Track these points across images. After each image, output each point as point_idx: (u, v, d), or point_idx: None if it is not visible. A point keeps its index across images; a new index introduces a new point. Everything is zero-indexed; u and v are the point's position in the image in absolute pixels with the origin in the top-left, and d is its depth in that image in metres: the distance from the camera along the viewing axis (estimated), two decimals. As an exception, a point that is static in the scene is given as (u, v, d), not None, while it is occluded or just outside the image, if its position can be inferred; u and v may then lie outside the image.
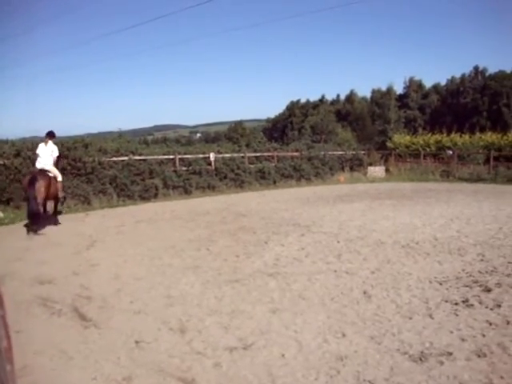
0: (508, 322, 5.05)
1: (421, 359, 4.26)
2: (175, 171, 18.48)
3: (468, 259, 7.64)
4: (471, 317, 5.22)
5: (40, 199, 11.06)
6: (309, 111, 62.59)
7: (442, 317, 5.24)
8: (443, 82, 69.62)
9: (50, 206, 12.35)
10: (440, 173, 24.07)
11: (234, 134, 64.27)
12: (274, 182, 21.02)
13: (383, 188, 19.89)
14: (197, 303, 5.88)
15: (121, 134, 28.36)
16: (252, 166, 21.03)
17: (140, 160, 17.70)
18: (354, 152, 26.12)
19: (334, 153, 25.08)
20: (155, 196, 17.08)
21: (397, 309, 5.51)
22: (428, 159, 26.12)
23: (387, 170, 25.11)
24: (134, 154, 17.83)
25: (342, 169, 24.51)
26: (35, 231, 10.69)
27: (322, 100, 71.87)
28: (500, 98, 54.23)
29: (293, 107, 65.58)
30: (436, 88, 69.28)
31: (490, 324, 5.01)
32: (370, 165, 25.43)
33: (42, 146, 11.75)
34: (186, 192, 18.13)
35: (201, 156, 19.69)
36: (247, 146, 24.60)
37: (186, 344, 4.70)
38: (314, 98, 72.72)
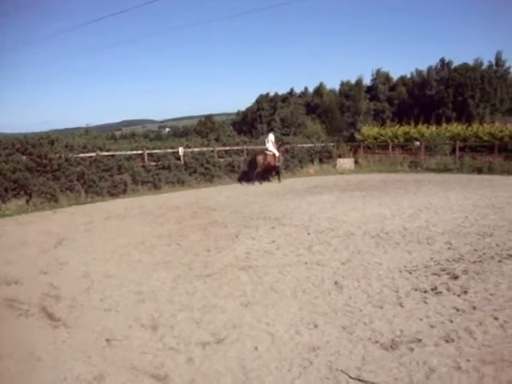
0: (474, 308, 5.18)
1: (392, 347, 4.34)
2: (144, 166, 18.25)
3: (436, 248, 7.79)
4: (440, 304, 5.34)
5: None
6: (278, 104, 62.56)
7: (412, 305, 5.34)
8: (409, 75, 70.84)
9: None
10: (408, 164, 24.39)
11: (204, 128, 63.92)
12: (244, 176, 21.04)
13: (353, 180, 20.08)
14: (168, 299, 5.85)
15: (88, 130, 27.94)
16: (222, 159, 20.92)
17: (108, 156, 17.40)
18: (323, 144, 26.21)
19: (304, 145, 25.14)
20: (124, 192, 16.86)
21: (368, 298, 5.59)
22: (396, 150, 26.42)
23: (356, 162, 25.31)
24: (101, 149, 17.52)
25: (312, 161, 24.59)
26: None
27: (290, 93, 71.97)
28: (465, 89, 55.31)
29: (262, 100, 65.42)
30: (403, 80, 70.20)
31: (458, 310, 5.14)
32: (340, 157, 25.60)
33: None
34: (156, 187, 17.96)
35: (170, 151, 19.48)
36: (216, 139, 24.42)
37: (159, 340, 4.68)
38: (282, 90, 72.89)
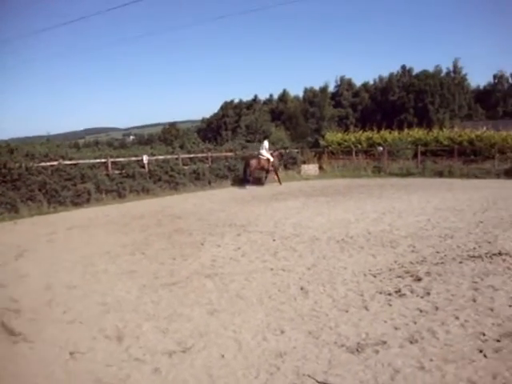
0: (437, 308, 5.31)
1: (357, 350, 4.40)
2: (108, 175, 17.98)
3: (400, 251, 7.94)
4: (404, 306, 5.45)
5: None
6: (242, 111, 63.06)
7: (377, 308, 5.43)
8: (372, 81, 72.19)
9: None
10: (372, 169, 24.74)
11: (168, 135, 63.65)
12: (209, 183, 20.88)
13: (317, 185, 20.24)
14: (133, 308, 5.78)
15: (49, 138, 27.37)
16: (186, 167, 20.80)
17: (71, 164, 17.07)
18: (287, 151, 26.37)
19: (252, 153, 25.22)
20: (88, 201, 16.57)
21: (333, 303, 5.65)
22: (360, 156, 26.77)
23: (321, 168, 25.50)
24: (64, 158, 17.17)
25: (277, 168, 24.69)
26: None
27: (255, 100, 72.57)
28: (425, 95, 56.67)
29: (227, 107, 65.82)
30: (366, 86, 71.54)
31: (421, 311, 5.26)
32: (304, 163, 25.72)
33: None
34: (120, 196, 17.71)
35: (134, 159, 19.28)
36: (181, 147, 24.27)
37: (124, 351, 4.62)
38: (247, 97, 73.35)
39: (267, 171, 21.39)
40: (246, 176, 20.78)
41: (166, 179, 19.66)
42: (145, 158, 19.33)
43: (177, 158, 20.86)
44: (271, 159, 21.19)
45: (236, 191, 19.08)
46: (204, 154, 22.46)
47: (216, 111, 67.99)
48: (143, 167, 19.31)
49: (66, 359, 4.51)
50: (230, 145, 26.04)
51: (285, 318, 5.24)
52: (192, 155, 22.11)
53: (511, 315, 5.03)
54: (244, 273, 7.06)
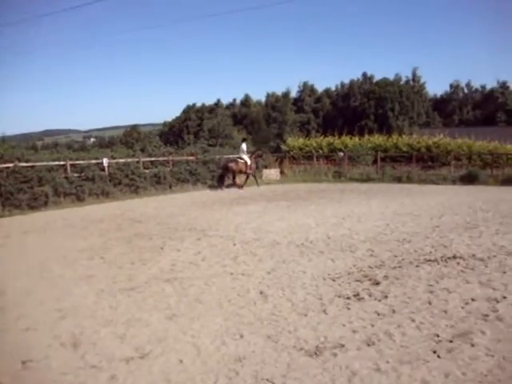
0: (394, 311, 5.41)
1: (316, 353, 4.43)
2: (66, 178, 17.63)
3: (359, 255, 8.06)
4: (362, 309, 5.53)
5: None
6: (205, 115, 62.84)
7: (336, 311, 5.49)
8: (334, 87, 73.22)
9: None
10: (332, 174, 25.07)
11: (130, 138, 63.02)
12: (170, 187, 20.75)
13: (278, 190, 20.37)
14: (90, 314, 5.67)
15: (4, 139, 26.67)
16: (147, 170, 20.62)
17: (27, 167, 16.66)
18: (249, 155, 26.44)
19: (230, 156, 25.25)
20: (45, 204, 16.20)
21: (292, 307, 5.68)
22: (321, 161, 27.13)
23: (282, 172, 25.68)
24: (20, 160, 16.77)
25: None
26: None
27: (217, 104, 72.50)
28: (385, 102, 57.84)
29: (189, 111, 65.46)
30: (328, 92, 72.51)
31: (378, 314, 5.35)
32: (266, 167, 25.87)
33: None
34: (79, 199, 17.38)
35: (93, 162, 18.98)
36: (142, 150, 24.05)
37: (80, 358, 4.52)
38: (210, 101, 73.19)
39: (246, 174, 21.84)
40: (222, 179, 21.31)
41: (127, 182, 19.44)
42: (105, 161, 19.06)
43: (138, 162, 20.66)
44: (249, 162, 21.53)
45: (196, 195, 18.97)
46: (165, 158, 22.33)
47: (178, 115, 67.49)
48: (103, 170, 19.03)
49: (18, 369, 4.37)
50: (192, 148, 25.93)
51: (244, 323, 5.24)
52: (153, 158, 21.95)
53: (464, 316, 5.18)
54: (203, 277, 7.03)
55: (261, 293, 6.23)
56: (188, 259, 8.16)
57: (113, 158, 20.15)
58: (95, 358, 4.49)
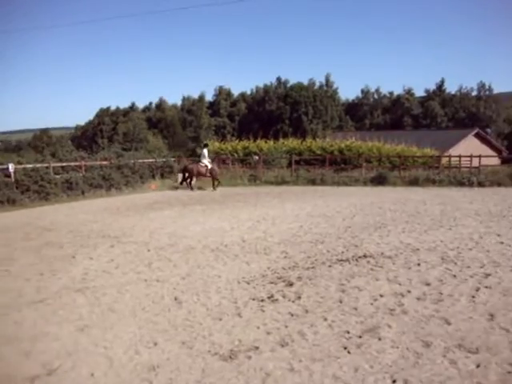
0: (307, 311, 5.54)
1: (231, 357, 4.45)
2: (-33, 185, 16.60)
3: (273, 257, 8.18)
4: (276, 311, 5.61)
5: None
6: (119, 118, 61.35)
7: (250, 314, 5.53)
8: (249, 91, 73.93)
9: None
10: (248, 177, 25.23)
11: (40, 142, 60.40)
12: (83, 193, 19.99)
13: (194, 194, 20.26)
14: (-9, 333, 5.32)
15: None
16: (58, 176, 19.79)
17: None
18: (164, 159, 26.15)
19: (145, 160, 24.84)
20: None
21: (207, 312, 5.67)
22: (236, 164, 27.25)
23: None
24: None
25: (153, 176, 24.31)
26: None
27: (132, 107, 71.00)
28: (299, 107, 59.17)
29: (102, 114, 63.59)
30: (243, 96, 73.08)
31: (292, 315, 5.45)
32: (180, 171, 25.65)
33: None
34: (-19, 208, 16.39)
35: (-3, 167, 17.97)
36: (53, 155, 23.10)
37: (-22, 380, 4.24)
38: (124, 105, 71.58)
39: (205, 176, 22.56)
40: (185, 181, 22.23)
41: (36, 189, 18.52)
42: (11, 167, 18.08)
43: (47, 167, 19.81)
44: (209, 166, 22.14)
45: (110, 201, 18.44)
46: (77, 163, 21.60)
47: (91, 118, 65.42)
48: (9, 176, 18.04)
49: None
50: (106, 153, 25.25)
51: (158, 330, 5.16)
52: (64, 164, 21.17)
53: (372, 312, 5.41)
54: (117, 285, 6.85)
55: (175, 299, 6.17)
56: (101, 267, 7.92)
57: (19, 163, 19.18)
58: (-5, 379, 4.24)
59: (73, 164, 21.40)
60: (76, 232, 11.34)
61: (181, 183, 22.59)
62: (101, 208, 16.13)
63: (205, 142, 26.17)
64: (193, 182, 22.38)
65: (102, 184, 21.13)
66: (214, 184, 22.24)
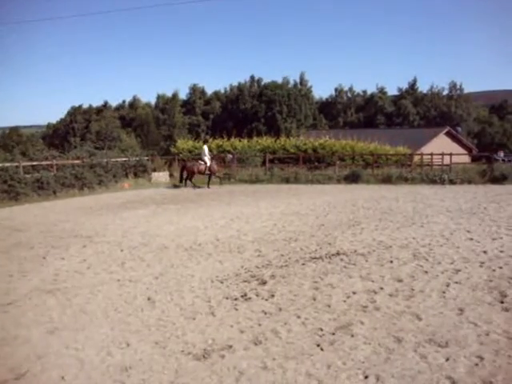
0: (280, 309, 5.56)
1: (204, 356, 4.44)
2: None
3: (247, 256, 8.18)
4: (249, 309, 5.62)
5: None
6: (92, 117, 60.59)
7: (223, 313, 5.52)
8: (223, 90, 73.76)
9: None
10: (222, 176, 25.18)
11: (9, 141, 59.18)
12: (55, 193, 19.65)
13: (168, 193, 20.11)
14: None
15: None
16: (28, 175, 19.42)
17: None
18: (137, 158, 25.85)
19: (118, 159, 24.53)
20: None
21: (181, 311, 5.64)
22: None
23: (171, 175, 25.36)
24: None
25: (126, 175, 24.02)
26: None
27: (105, 105, 70.20)
28: (274, 105, 59.25)
29: (74, 113, 62.65)
30: (217, 95, 72.87)
31: (266, 313, 5.46)
32: (155, 170, 25.44)
33: None
34: None
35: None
36: (23, 154, 22.67)
37: None
38: (97, 103, 70.70)
39: (204, 174, 22.46)
40: (184, 179, 22.32)
41: (5, 189, 18.14)
42: (-23, 166, 17.68)
43: (17, 166, 19.43)
44: (208, 164, 22.16)
45: (83, 200, 18.18)
46: (49, 162, 21.21)
47: (63, 116, 64.36)
48: (-25, 176, 17.63)
49: None
50: (78, 152, 24.88)
51: (131, 331, 5.11)
52: (35, 163, 20.78)
53: (345, 309, 5.45)
54: (89, 286, 6.76)
55: (148, 299, 6.12)
56: (73, 268, 7.80)
57: (-14, 162, 18.75)
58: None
59: (44, 163, 21.01)
60: (47, 232, 11.15)
61: (180, 181, 22.58)
62: (73, 208, 15.90)
63: (205, 138, 26.32)
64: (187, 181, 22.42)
65: (75, 183, 20.81)
66: (209, 181, 22.37)
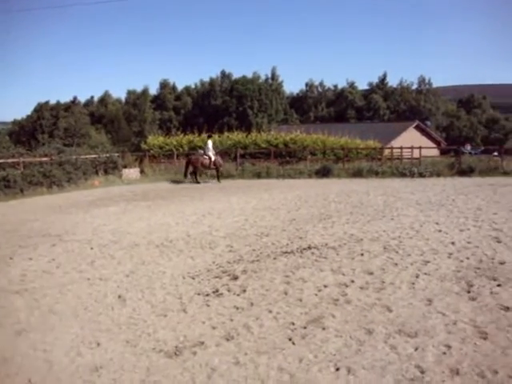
0: (252, 304, 5.56)
1: (176, 354, 4.41)
2: None
3: (218, 251, 8.16)
4: (221, 305, 5.60)
5: None
6: (60, 113, 59.44)
7: (195, 309, 5.50)
8: (194, 85, 73.37)
9: None
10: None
11: (-27, 138, 57.69)
12: (22, 191, 19.22)
13: (138, 190, 19.87)
14: None
15: None
16: (-7, 174, 18.98)
17: None
18: (107, 155, 25.48)
19: (87, 156, 24.16)
20: None
21: (152, 308, 5.59)
22: (181, 159, 26.94)
23: (142, 172, 25.13)
24: None
25: (96, 172, 23.65)
26: None
27: (74, 101, 69.03)
28: (245, 100, 59.23)
29: (42, 109, 61.36)
30: (188, 90, 72.49)
31: (237, 308, 5.46)
32: (125, 167, 25.13)
33: None
34: None
35: None
36: (-12, 151, 22.16)
37: None
38: (65, 99, 69.50)
39: (209, 169, 22.88)
40: (188, 173, 22.47)
41: (-31, 188, 17.72)
42: None
43: (-18, 164, 18.98)
44: (213, 158, 22.15)
45: (52, 199, 17.86)
46: (15, 160, 20.78)
47: (30, 113, 62.93)
48: None
49: None
50: (46, 149, 24.43)
51: (101, 330, 5.04)
52: (1, 161, 20.32)
53: (317, 303, 5.49)
54: (58, 285, 6.64)
55: (119, 297, 6.05)
56: (41, 267, 7.65)
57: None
58: None
59: (10, 161, 20.58)
60: (14, 232, 10.90)
61: (185, 176, 22.58)
62: (41, 206, 15.60)
63: (209, 133, 26.16)
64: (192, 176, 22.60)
65: (43, 181, 20.38)
66: (218, 176, 22.57)
